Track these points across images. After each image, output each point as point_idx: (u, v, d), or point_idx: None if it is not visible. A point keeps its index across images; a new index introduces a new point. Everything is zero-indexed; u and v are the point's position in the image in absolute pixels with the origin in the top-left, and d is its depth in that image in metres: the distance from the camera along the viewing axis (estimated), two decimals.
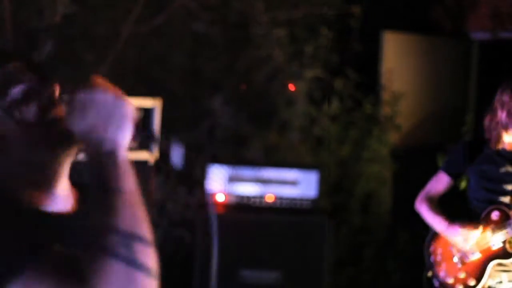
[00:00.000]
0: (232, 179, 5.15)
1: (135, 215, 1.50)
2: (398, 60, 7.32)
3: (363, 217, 6.87)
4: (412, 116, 7.34)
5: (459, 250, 4.03)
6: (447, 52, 7.76)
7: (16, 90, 1.63)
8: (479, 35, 7.73)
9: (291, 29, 6.37)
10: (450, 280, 4.04)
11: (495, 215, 3.96)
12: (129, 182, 1.53)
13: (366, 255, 6.73)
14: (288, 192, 5.18)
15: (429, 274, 4.14)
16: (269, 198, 5.17)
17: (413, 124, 7.39)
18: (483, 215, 4.00)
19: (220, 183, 5.11)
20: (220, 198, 5.12)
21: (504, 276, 3.98)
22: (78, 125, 1.55)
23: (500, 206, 3.96)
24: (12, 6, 5.10)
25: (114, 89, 1.57)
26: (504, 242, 3.94)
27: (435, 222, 4.11)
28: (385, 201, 6.96)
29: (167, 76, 5.80)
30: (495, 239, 3.95)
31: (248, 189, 5.17)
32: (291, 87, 6.35)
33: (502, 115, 3.93)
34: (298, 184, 5.19)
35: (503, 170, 3.98)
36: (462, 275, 4.02)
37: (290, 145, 6.33)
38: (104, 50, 5.45)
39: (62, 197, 1.70)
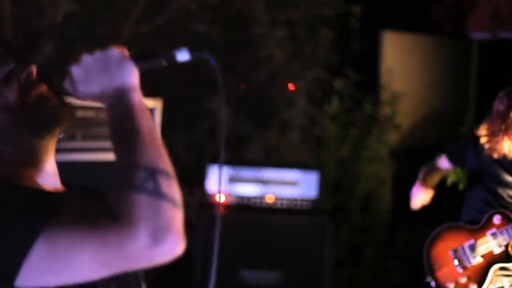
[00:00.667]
0: (232, 180, 5.15)
1: (156, 151, 1.55)
2: (398, 60, 7.32)
3: (363, 217, 6.87)
4: (411, 116, 7.34)
5: (459, 255, 4.03)
6: (447, 52, 7.75)
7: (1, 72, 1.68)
8: (479, 35, 7.73)
9: (291, 30, 6.37)
10: (451, 285, 4.03)
11: (497, 218, 3.96)
12: (146, 121, 1.58)
13: (366, 255, 6.73)
14: (288, 192, 5.18)
15: (428, 279, 4.13)
16: (269, 199, 5.18)
17: (413, 124, 7.39)
18: (484, 219, 3.99)
19: (221, 184, 5.10)
20: (220, 198, 5.12)
21: (506, 281, 3.97)
22: (87, 92, 1.64)
23: (501, 209, 3.96)
24: (12, 6, 5.09)
25: (95, 49, 1.66)
26: (506, 245, 3.94)
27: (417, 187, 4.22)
28: (384, 201, 6.96)
29: (167, 76, 5.79)
30: (497, 243, 3.95)
31: (248, 190, 5.17)
32: (291, 86, 6.35)
33: (500, 124, 3.92)
34: (298, 185, 5.19)
35: (504, 175, 3.98)
36: (463, 280, 4.01)
37: (290, 145, 6.34)
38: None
39: (51, 174, 1.72)
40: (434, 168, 4.38)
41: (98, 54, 1.64)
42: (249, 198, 5.17)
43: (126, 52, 1.67)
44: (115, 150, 1.58)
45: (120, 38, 5.40)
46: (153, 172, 1.51)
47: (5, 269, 1.45)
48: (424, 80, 7.54)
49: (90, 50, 1.66)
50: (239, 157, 5.97)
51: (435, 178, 4.43)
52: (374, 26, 7.19)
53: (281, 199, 5.18)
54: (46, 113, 1.67)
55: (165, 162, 1.55)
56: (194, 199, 5.65)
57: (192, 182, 5.59)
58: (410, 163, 6.84)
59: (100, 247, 1.45)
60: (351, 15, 6.79)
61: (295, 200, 5.18)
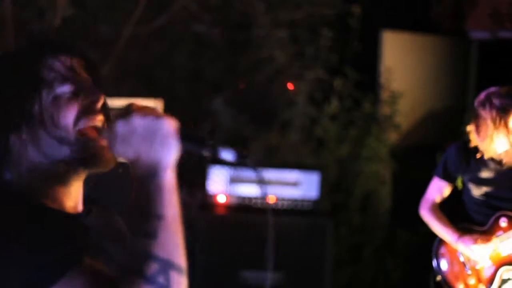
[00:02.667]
0: (233, 180, 5.15)
1: (174, 242, 1.51)
2: (397, 59, 7.33)
3: (362, 216, 6.87)
4: (411, 115, 7.34)
5: (467, 257, 4.03)
6: (447, 52, 7.76)
7: (64, 89, 1.65)
8: (478, 35, 7.73)
9: (292, 30, 6.37)
10: (460, 286, 4.04)
11: (503, 221, 3.96)
12: (172, 207, 1.53)
13: (365, 254, 6.74)
14: (289, 193, 5.18)
15: (438, 278, 4.13)
16: (270, 199, 5.18)
17: (412, 123, 7.40)
18: (490, 222, 3.99)
19: (222, 184, 5.11)
20: (221, 199, 5.12)
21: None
22: (123, 153, 1.57)
23: (507, 212, 3.96)
24: (13, 8, 5.09)
25: (151, 111, 1.58)
26: None
27: (445, 234, 4.07)
28: (384, 201, 6.97)
29: (168, 77, 5.80)
30: (505, 246, 3.94)
31: (249, 190, 5.17)
32: (290, 86, 6.36)
33: (486, 126, 3.90)
34: (299, 185, 5.19)
35: (497, 175, 3.97)
36: (472, 281, 4.01)
37: (291, 146, 6.34)
38: (106, 51, 5.45)
39: (76, 195, 1.71)
40: (438, 203, 4.28)
41: (149, 120, 1.55)
42: (250, 199, 5.17)
43: (175, 127, 1.57)
44: (134, 225, 1.52)
45: (122, 39, 5.41)
46: (167, 267, 1.47)
47: None
48: (424, 79, 7.54)
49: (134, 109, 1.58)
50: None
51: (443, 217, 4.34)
52: (374, 26, 7.19)
53: (282, 199, 5.18)
54: (91, 151, 1.65)
55: (181, 255, 1.51)
56: (194, 199, 5.65)
57: (193, 182, 5.60)
58: (410, 163, 6.87)
59: None
60: (351, 15, 6.79)
61: (296, 201, 5.18)
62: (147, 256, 1.47)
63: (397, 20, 7.36)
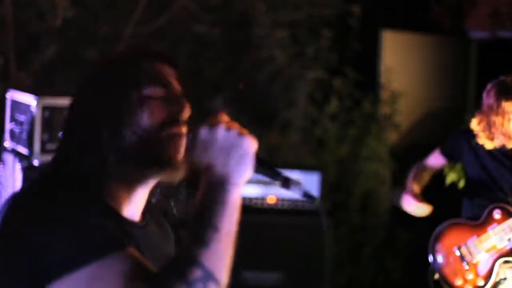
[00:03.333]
0: None
1: (223, 258, 1.53)
2: (397, 59, 7.33)
3: (362, 216, 6.87)
4: (411, 115, 7.35)
5: (464, 252, 4.04)
6: (446, 51, 7.76)
7: (155, 91, 1.68)
8: (478, 34, 7.74)
9: (293, 31, 6.37)
10: (459, 282, 4.04)
11: (497, 213, 3.97)
12: (230, 224, 1.56)
13: (365, 254, 6.74)
14: (290, 193, 5.17)
15: (436, 276, 4.14)
16: (271, 200, 5.18)
17: (412, 123, 7.40)
18: (484, 215, 4.00)
19: None
20: None
21: (509, 273, 3.99)
22: (199, 160, 1.59)
23: (501, 204, 3.97)
24: (13, 8, 5.09)
25: (237, 127, 1.60)
26: (509, 239, 3.95)
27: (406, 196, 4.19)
28: (384, 200, 6.96)
29: None
30: (499, 238, 3.96)
31: (249, 191, 5.17)
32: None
33: (492, 117, 3.95)
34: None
35: (501, 166, 3.99)
36: (470, 276, 4.01)
37: (292, 146, 6.34)
38: (106, 51, 5.45)
39: (137, 204, 1.72)
40: (424, 170, 4.35)
41: (232, 134, 1.58)
42: (250, 199, 5.17)
43: (255, 149, 1.61)
44: (189, 232, 1.54)
45: (122, 39, 5.40)
46: (209, 278, 1.48)
47: (37, 274, 1.48)
48: (423, 79, 7.54)
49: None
50: None
51: (425, 180, 4.41)
52: (374, 26, 7.20)
53: (282, 200, 5.18)
54: (166, 154, 1.67)
55: (224, 272, 1.52)
56: (194, 199, 5.64)
57: (193, 182, 5.59)
58: (410, 162, 6.86)
59: None
60: (351, 15, 6.79)
61: (297, 201, 5.18)
62: (193, 262, 1.48)
63: (397, 20, 7.36)
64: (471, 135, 4.13)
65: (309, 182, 5.19)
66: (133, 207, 1.72)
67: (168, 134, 1.67)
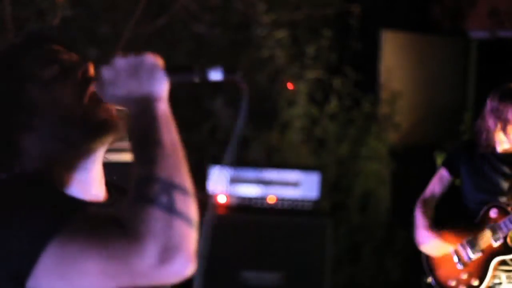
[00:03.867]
0: (233, 181, 5.15)
1: (175, 165, 1.50)
2: (397, 58, 7.33)
3: (362, 215, 6.87)
4: (410, 115, 7.35)
5: (458, 252, 4.04)
6: (446, 51, 7.76)
7: (54, 68, 1.66)
8: (477, 34, 7.74)
9: (293, 30, 6.37)
10: (452, 283, 4.04)
11: (493, 212, 3.97)
12: (169, 134, 1.53)
13: (365, 254, 6.74)
14: (290, 193, 5.18)
15: (429, 280, 4.13)
16: (271, 200, 5.18)
17: (412, 123, 7.40)
18: (481, 214, 4.00)
19: (222, 184, 5.11)
20: (221, 199, 5.12)
21: (504, 277, 3.98)
22: (114, 97, 1.59)
23: (497, 203, 3.97)
24: (12, 7, 5.08)
25: (130, 53, 1.60)
26: (505, 238, 3.95)
27: (420, 231, 4.12)
28: (383, 200, 6.97)
29: None
30: (495, 236, 3.96)
31: (249, 191, 5.18)
32: (290, 85, 6.35)
33: (493, 121, 3.96)
34: (300, 186, 5.20)
35: (499, 171, 3.99)
36: (464, 276, 4.01)
37: (292, 146, 6.34)
38: (106, 51, 5.44)
39: (93, 182, 1.70)
40: (431, 202, 4.29)
41: (131, 58, 1.58)
42: (250, 199, 5.17)
43: (159, 61, 1.59)
44: (134, 160, 1.52)
45: (122, 39, 5.40)
46: (170, 187, 1.45)
47: (18, 269, 1.46)
48: (423, 79, 7.54)
49: (123, 53, 1.61)
50: (241, 158, 5.97)
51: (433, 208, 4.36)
52: (373, 25, 7.19)
53: (283, 200, 5.18)
54: (99, 117, 1.65)
55: (184, 178, 1.49)
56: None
57: (193, 182, 5.59)
58: (409, 162, 6.88)
59: (107, 259, 1.43)
60: (351, 14, 6.78)
61: (297, 201, 5.18)
62: (147, 178, 1.46)
63: (396, 20, 7.36)
64: (468, 144, 4.15)
65: (309, 182, 5.20)
66: (94, 187, 1.71)
67: (90, 99, 1.66)
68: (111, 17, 5.61)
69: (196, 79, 1.67)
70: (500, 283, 3.98)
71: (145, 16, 5.59)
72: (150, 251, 1.40)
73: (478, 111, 4.12)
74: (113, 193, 1.77)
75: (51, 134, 1.64)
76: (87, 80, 1.66)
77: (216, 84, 5.97)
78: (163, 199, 1.44)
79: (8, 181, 1.63)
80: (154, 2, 5.67)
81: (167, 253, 1.41)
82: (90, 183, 1.69)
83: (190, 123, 5.94)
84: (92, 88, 1.65)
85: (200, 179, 5.24)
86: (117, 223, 1.45)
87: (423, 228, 4.09)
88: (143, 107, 1.55)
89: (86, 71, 1.68)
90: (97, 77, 1.60)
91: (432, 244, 4.03)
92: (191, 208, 1.47)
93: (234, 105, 6.00)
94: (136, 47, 5.68)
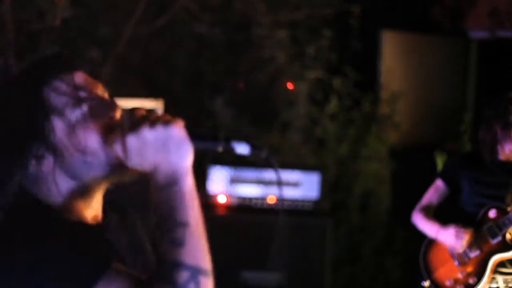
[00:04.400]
0: (233, 181, 5.15)
1: (201, 248, 1.51)
2: (397, 59, 7.33)
3: (362, 215, 6.87)
4: (410, 115, 7.34)
5: (457, 251, 4.04)
6: (446, 51, 7.76)
7: (78, 113, 1.62)
8: (477, 34, 7.73)
9: (293, 31, 6.37)
10: (449, 283, 4.05)
11: (492, 212, 3.98)
12: (194, 213, 1.53)
13: (365, 254, 6.74)
14: (290, 193, 5.18)
15: (427, 284, 4.14)
16: (271, 200, 5.18)
17: (412, 123, 7.39)
18: (480, 215, 4.01)
19: (222, 185, 5.12)
20: (222, 199, 5.12)
21: (501, 281, 3.99)
22: (140, 166, 1.56)
23: (496, 204, 3.98)
24: (12, 8, 5.08)
25: (158, 118, 1.56)
26: (503, 235, 3.95)
27: (428, 227, 4.11)
28: (383, 200, 6.97)
29: (169, 77, 5.79)
30: (494, 233, 3.96)
31: (249, 191, 5.18)
32: (290, 85, 6.35)
33: (497, 128, 3.96)
34: (300, 186, 5.20)
35: (499, 177, 4.00)
36: (461, 275, 4.02)
37: (292, 146, 6.34)
38: (106, 51, 5.45)
39: (97, 204, 1.71)
40: (431, 206, 4.29)
41: (159, 130, 1.53)
42: (250, 199, 5.17)
43: (183, 128, 1.57)
44: (160, 236, 1.51)
45: (122, 39, 5.40)
46: (196, 273, 1.48)
47: None
48: (423, 79, 7.54)
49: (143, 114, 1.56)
50: (241, 158, 5.96)
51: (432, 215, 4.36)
52: (374, 25, 7.19)
53: (283, 200, 5.18)
54: (117, 164, 1.62)
55: (207, 260, 1.51)
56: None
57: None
58: (409, 162, 6.88)
59: None
60: (351, 14, 6.78)
61: (297, 201, 5.18)
62: (177, 264, 1.47)
63: (396, 20, 7.36)
64: (467, 156, 4.17)
65: (309, 182, 5.20)
66: (94, 210, 1.70)
67: (111, 144, 1.61)
68: (111, 18, 5.61)
69: (221, 150, 1.63)
70: (497, 287, 3.99)
71: (145, 16, 5.59)
72: None
73: (478, 111, 4.13)
74: (109, 213, 1.75)
75: (70, 172, 1.63)
76: (112, 127, 1.63)
77: (216, 84, 5.93)
78: (191, 286, 1.46)
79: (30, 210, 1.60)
80: (154, 2, 5.68)
81: None
82: (91, 207, 1.69)
83: (190, 123, 5.93)
84: (115, 135, 1.60)
85: (200, 179, 5.24)
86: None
87: (431, 222, 4.10)
88: (171, 182, 1.53)
89: (114, 115, 1.64)
90: (123, 145, 1.56)
91: (448, 230, 4.03)
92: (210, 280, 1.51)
93: (235, 105, 6.01)
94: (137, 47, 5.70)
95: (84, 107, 1.63)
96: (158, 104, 4.82)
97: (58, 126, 1.61)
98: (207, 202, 5.13)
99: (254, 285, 5.04)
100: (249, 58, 6.18)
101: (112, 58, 5.42)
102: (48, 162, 1.62)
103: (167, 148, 1.53)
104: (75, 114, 1.62)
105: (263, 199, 5.18)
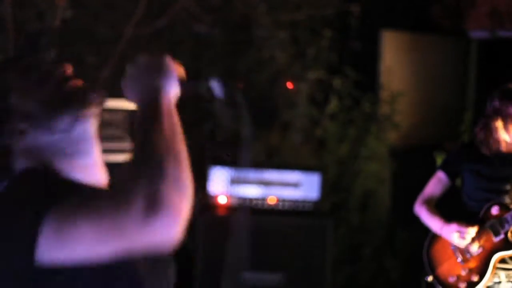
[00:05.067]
0: (234, 181, 5.15)
1: (172, 148, 1.58)
2: (396, 58, 7.33)
3: (362, 215, 6.87)
4: (410, 115, 7.35)
5: (460, 248, 4.04)
6: (446, 51, 7.76)
7: (33, 76, 1.74)
8: (478, 34, 7.73)
9: (293, 31, 6.37)
10: (452, 279, 4.05)
11: (495, 209, 3.98)
12: (171, 125, 1.63)
13: (365, 254, 6.74)
14: (290, 194, 5.18)
15: (430, 279, 4.14)
16: (271, 200, 5.18)
17: (412, 123, 7.40)
18: (482, 212, 4.01)
19: (222, 185, 5.11)
20: (222, 200, 5.12)
21: (503, 276, 3.99)
22: (133, 88, 1.74)
23: (498, 200, 3.98)
24: (13, 8, 5.08)
25: (158, 55, 1.77)
26: (506, 233, 3.96)
27: (432, 222, 4.13)
28: (383, 200, 6.97)
29: None
30: (496, 231, 3.97)
31: (250, 191, 5.17)
32: (290, 85, 6.35)
33: (496, 121, 3.97)
34: (300, 186, 5.19)
35: (500, 170, 4.01)
36: (464, 272, 4.03)
37: (292, 146, 6.34)
38: (106, 52, 5.44)
39: (94, 167, 1.78)
40: (433, 198, 4.30)
41: (153, 57, 1.76)
42: (251, 200, 5.17)
43: (178, 69, 1.78)
44: (136, 146, 1.60)
45: (122, 40, 5.40)
46: (163, 154, 1.53)
47: (26, 245, 1.52)
48: (423, 79, 7.54)
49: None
50: (241, 158, 5.95)
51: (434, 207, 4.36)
52: (373, 25, 7.19)
53: (283, 200, 5.18)
54: (77, 93, 1.75)
55: (180, 156, 1.57)
56: (195, 200, 5.63)
57: (194, 183, 5.58)
58: (409, 162, 6.88)
59: (98, 221, 1.48)
60: (351, 14, 6.78)
61: (297, 202, 5.18)
62: (143, 146, 1.57)
63: (396, 20, 7.36)
64: (468, 145, 4.16)
65: (309, 182, 5.20)
66: (96, 171, 1.80)
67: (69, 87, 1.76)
68: (111, 18, 5.60)
69: (203, 91, 1.84)
70: (499, 282, 4.00)
71: (145, 16, 5.59)
72: (135, 205, 1.46)
73: (478, 111, 4.14)
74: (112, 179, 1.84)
75: (41, 131, 1.71)
76: (66, 79, 1.76)
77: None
78: (153, 161, 1.51)
79: (15, 179, 1.70)
80: (155, 3, 5.67)
81: (152, 207, 1.45)
82: (92, 167, 1.77)
83: (190, 123, 5.94)
84: (73, 81, 1.76)
85: (200, 180, 5.24)
86: (109, 188, 1.60)
87: (435, 217, 4.11)
88: (151, 98, 1.68)
89: (64, 71, 1.77)
90: (124, 75, 1.75)
91: (452, 227, 4.03)
92: (183, 175, 1.55)
93: (235, 106, 5.99)
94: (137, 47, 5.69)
95: (35, 75, 1.76)
96: None
97: (16, 97, 1.73)
98: (207, 202, 5.13)
99: (254, 286, 5.04)
100: (249, 58, 6.17)
101: (112, 59, 5.42)
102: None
103: (155, 71, 1.74)
104: (27, 82, 1.75)
105: (264, 199, 5.17)
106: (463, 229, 3.98)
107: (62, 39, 5.19)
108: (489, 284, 3.99)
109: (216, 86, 1.82)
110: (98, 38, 5.52)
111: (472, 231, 3.98)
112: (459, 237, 3.99)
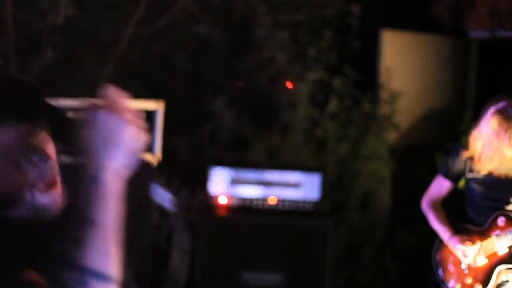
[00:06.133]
0: (234, 182, 5.15)
1: (105, 251, 1.44)
2: (396, 58, 7.33)
3: (362, 215, 6.87)
4: (410, 115, 7.35)
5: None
6: (446, 51, 7.76)
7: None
8: (478, 34, 7.74)
9: (294, 32, 6.37)
10: (457, 286, 4.06)
11: (501, 220, 3.97)
12: (111, 215, 1.47)
13: (365, 254, 6.74)
14: (291, 194, 5.18)
15: (438, 280, 4.15)
16: (272, 201, 5.18)
17: (412, 123, 7.40)
18: (488, 222, 4.00)
19: (223, 186, 5.11)
20: (222, 200, 5.12)
21: (511, 276, 4.00)
22: (78, 141, 1.50)
23: (506, 212, 3.98)
24: (14, 8, 5.08)
25: (121, 112, 1.50)
26: (510, 247, 3.96)
27: (440, 229, 4.12)
28: (383, 200, 6.96)
29: (169, 78, 5.79)
30: (501, 245, 3.96)
31: (250, 192, 5.17)
32: (289, 85, 6.35)
33: (493, 141, 3.92)
34: (301, 187, 5.19)
35: (501, 178, 3.99)
36: (468, 281, 4.03)
37: (293, 147, 6.34)
38: (107, 52, 5.44)
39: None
40: (439, 200, 4.28)
41: (113, 121, 1.49)
42: (251, 200, 5.17)
43: (141, 139, 1.53)
44: (66, 231, 1.46)
45: (123, 40, 5.40)
46: (89, 276, 1.41)
47: None
48: (423, 78, 7.54)
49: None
50: (242, 159, 5.97)
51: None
52: (373, 25, 7.19)
53: (283, 201, 5.18)
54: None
55: (110, 266, 1.44)
56: (195, 200, 5.66)
57: (194, 183, 5.59)
58: (409, 162, 6.88)
59: None
60: (351, 14, 6.78)
61: (298, 202, 5.18)
62: (69, 264, 1.42)
63: (396, 20, 7.36)
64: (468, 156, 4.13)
65: (310, 183, 5.20)
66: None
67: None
68: (112, 19, 5.60)
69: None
70: (507, 281, 4.00)
71: (145, 17, 5.59)
72: None
73: (478, 111, 4.10)
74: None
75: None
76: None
77: (217, 85, 5.92)
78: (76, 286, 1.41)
79: None
80: (155, 3, 5.67)
81: None
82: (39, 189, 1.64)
83: (191, 123, 5.94)
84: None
85: (201, 180, 5.24)
86: None
87: (443, 226, 4.10)
88: (89, 175, 1.48)
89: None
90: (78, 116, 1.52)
91: (456, 243, 4.03)
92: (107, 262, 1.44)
93: (235, 106, 6.01)
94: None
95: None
96: (159, 105, 4.82)
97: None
98: (208, 203, 5.13)
99: (254, 286, 5.04)
100: (249, 59, 6.17)
101: (112, 59, 5.42)
102: None
103: (106, 140, 1.48)
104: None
105: (264, 200, 5.17)
106: (465, 248, 3.98)
107: (63, 39, 5.20)
108: (498, 282, 4.00)
109: (162, 195, 1.62)
110: (98, 38, 5.52)
111: (475, 248, 3.98)
112: (462, 255, 4.00)
